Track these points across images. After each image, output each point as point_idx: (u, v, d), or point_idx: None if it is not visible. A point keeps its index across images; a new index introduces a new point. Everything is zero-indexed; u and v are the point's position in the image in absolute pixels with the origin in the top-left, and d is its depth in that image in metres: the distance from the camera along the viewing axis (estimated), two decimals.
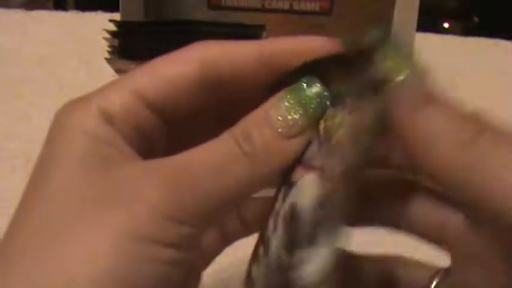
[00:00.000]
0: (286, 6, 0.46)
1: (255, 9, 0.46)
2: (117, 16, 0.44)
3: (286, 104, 0.22)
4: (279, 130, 0.22)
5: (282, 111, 0.22)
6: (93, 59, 0.61)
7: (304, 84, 0.22)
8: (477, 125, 0.20)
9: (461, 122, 0.20)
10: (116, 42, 0.41)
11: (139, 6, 0.45)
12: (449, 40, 0.67)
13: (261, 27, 0.42)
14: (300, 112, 0.22)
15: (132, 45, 0.41)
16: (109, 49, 0.41)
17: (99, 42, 0.41)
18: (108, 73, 0.44)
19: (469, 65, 0.62)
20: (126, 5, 0.44)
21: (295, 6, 0.46)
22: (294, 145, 0.22)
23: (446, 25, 1.11)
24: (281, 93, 0.22)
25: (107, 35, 0.41)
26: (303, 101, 0.22)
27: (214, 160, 0.21)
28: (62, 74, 0.60)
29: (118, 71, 0.42)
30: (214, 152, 0.21)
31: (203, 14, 0.46)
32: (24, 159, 0.50)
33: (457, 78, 0.60)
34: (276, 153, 0.22)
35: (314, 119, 0.22)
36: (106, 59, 0.41)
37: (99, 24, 0.41)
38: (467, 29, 1.10)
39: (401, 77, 0.20)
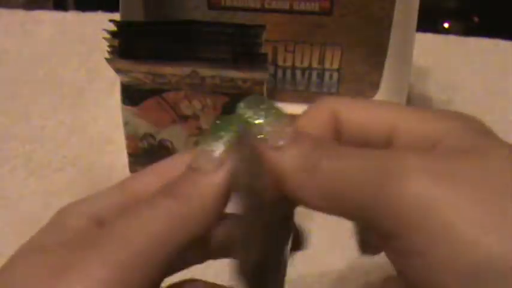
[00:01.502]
0: (286, 6, 0.46)
1: (255, 9, 0.46)
2: (117, 16, 0.44)
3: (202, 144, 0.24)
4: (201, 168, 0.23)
5: (199, 151, 0.24)
6: (93, 59, 0.61)
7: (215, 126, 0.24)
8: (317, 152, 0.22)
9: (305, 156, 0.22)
10: (116, 42, 0.41)
11: (139, 6, 0.45)
12: (449, 40, 0.67)
13: (261, 27, 0.42)
14: (215, 144, 0.23)
15: (132, 45, 0.41)
16: (109, 49, 0.41)
17: (99, 42, 0.41)
18: (108, 73, 0.44)
19: (469, 65, 0.62)
20: (126, 5, 0.44)
21: (295, 6, 0.46)
22: (220, 176, 0.23)
23: (446, 25, 1.11)
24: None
25: (107, 35, 0.41)
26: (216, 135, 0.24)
27: (153, 226, 0.22)
28: (62, 74, 0.60)
29: (118, 71, 0.42)
30: (151, 218, 0.22)
31: (203, 14, 0.46)
32: (24, 159, 0.50)
33: (457, 78, 0.60)
34: (205, 188, 0.23)
35: (229, 146, 0.23)
36: (106, 59, 0.41)
37: (99, 24, 0.41)
38: (467, 29, 1.10)
39: (259, 121, 0.23)
